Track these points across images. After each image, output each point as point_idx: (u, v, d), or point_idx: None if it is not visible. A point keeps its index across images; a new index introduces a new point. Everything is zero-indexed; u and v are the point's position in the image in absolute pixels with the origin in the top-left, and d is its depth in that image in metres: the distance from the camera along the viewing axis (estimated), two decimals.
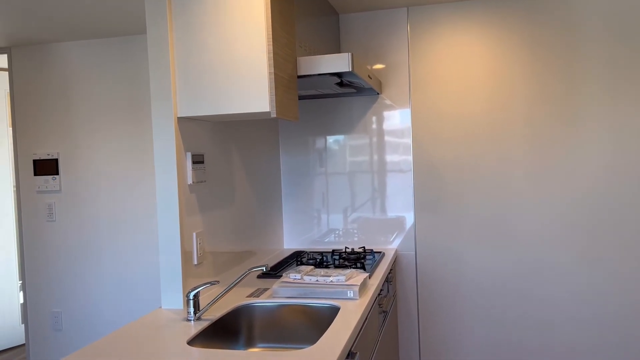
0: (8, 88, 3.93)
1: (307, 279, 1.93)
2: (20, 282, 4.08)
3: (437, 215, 2.82)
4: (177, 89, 1.81)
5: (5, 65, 3.92)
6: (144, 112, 3.16)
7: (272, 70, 1.74)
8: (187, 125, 1.89)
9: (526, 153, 2.71)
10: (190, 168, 1.88)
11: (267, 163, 2.78)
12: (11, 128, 4.22)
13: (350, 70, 1.99)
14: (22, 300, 4.03)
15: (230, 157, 2.29)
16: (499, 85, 2.72)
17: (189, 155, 1.88)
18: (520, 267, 2.74)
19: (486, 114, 2.74)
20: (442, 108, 2.80)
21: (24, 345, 4.01)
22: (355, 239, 2.92)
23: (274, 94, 1.74)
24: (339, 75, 2.10)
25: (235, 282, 1.75)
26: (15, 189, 4.24)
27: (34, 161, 3.28)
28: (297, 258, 2.55)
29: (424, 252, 2.84)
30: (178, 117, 1.82)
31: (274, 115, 1.76)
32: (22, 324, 4.00)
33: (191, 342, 1.51)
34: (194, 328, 1.60)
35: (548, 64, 2.66)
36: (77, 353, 1.40)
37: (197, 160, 1.94)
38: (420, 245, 2.85)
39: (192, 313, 1.67)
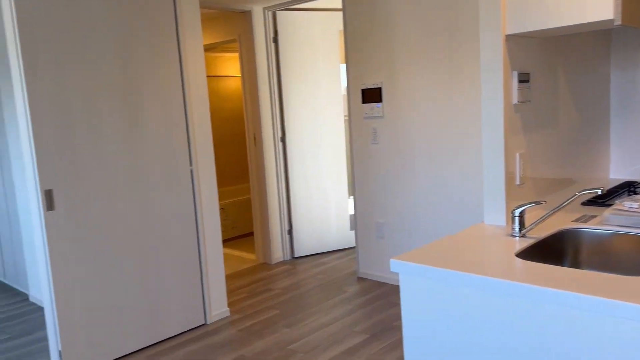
0: (340, 27, 4.50)
1: None
2: (351, 196, 4.82)
3: None
4: (507, 5, 1.78)
5: (340, 6, 4.48)
6: (460, 35, 3.21)
7: None
8: (514, 42, 1.85)
9: None
10: (516, 87, 1.86)
11: (594, 82, 2.51)
12: (343, 63, 4.86)
13: None
14: (351, 211, 4.77)
15: (555, 76, 2.15)
16: None
17: (515, 74, 1.85)
18: None
19: None
20: None
21: (353, 248, 4.79)
22: None
23: None
24: None
25: (563, 204, 1.70)
26: (346, 117, 4.93)
27: (362, 90, 3.74)
28: (628, 188, 2.29)
29: None
30: (506, 35, 1.80)
31: (618, 23, 1.57)
32: (351, 230, 4.76)
33: (518, 255, 1.56)
34: (519, 244, 1.64)
35: None
36: (413, 252, 1.62)
37: (523, 79, 1.90)
38: None
39: (517, 230, 1.71)
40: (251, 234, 5.67)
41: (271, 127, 4.44)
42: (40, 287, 3.54)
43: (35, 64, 2.53)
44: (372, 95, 3.68)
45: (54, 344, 2.73)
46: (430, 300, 1.49)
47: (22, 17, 2.48)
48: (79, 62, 2.69)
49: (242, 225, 5.63)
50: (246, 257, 4.82)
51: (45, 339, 3.25)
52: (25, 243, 3.95)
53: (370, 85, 3.69)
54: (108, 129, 2.82)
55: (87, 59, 2.72)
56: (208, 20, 4.75)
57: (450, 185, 3.41)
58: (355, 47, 3.76)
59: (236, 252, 4.99)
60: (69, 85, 2.65)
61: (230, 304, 3.64)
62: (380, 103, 3.65)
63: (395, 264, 1.55)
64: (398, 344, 2.89)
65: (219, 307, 3.41)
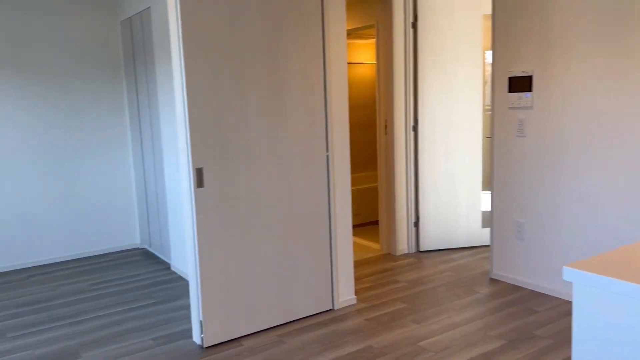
0: (484, 11, 4.22)
1: None
2: (485, 191, 4.55)
3: None
4: None
5: None
6: (631, 17, 2.83)
7: None
8: None
9: None
10: None
11: None
12: (484, 50, 4.57)
13: None
14: (484, 207, 4.51)
15: None
16: None
17: None
18: None
19: None
20: None
21: (484, 246, 4.53)
22: None
23: None
24: None
25: None
26: (483, 107, 4.65)
27: (509, 78, 3.47)
28: None
29: None
30: None
31: None
32: (482, 227, 4.50)
33: None
34: None
35: None
36: (590, 261, 1.43)
37: None
38: None
39: None
40: (373, 222, 5.62)
41: (403, 115, 4.32)
42: (186, 260, 3.80)
43: (195, 57, 2.67)
44: (520, 84, 3.40)
45: (195, 314, 2.90)
46: (613, 317, 1.30)
47: (185, 14, 2.62)
48: (231, 53, 2.79)
49: (366, 213, 5.61)
50: (370, 246, 4.78)
51: (185, 307, 3.49)
52: (170, 217, 4.27)
53: (518, 73, 3.41)
54: (253, 114, 2.90)
55: (238, 48, 2.81)
56: (346, 5, 4.72)
57: (607, 187, 3.05)
58: (503, 32, 3.49)
59: (359, 240, 4.97)
60: (221, 74, 2.77)
61: (355, 292, 3.63)
62: (529, 93, 3.36)
63: (570, 273, 1.38)
64: (539, 355, 2.66)
65: (346, 294, 3.41)
